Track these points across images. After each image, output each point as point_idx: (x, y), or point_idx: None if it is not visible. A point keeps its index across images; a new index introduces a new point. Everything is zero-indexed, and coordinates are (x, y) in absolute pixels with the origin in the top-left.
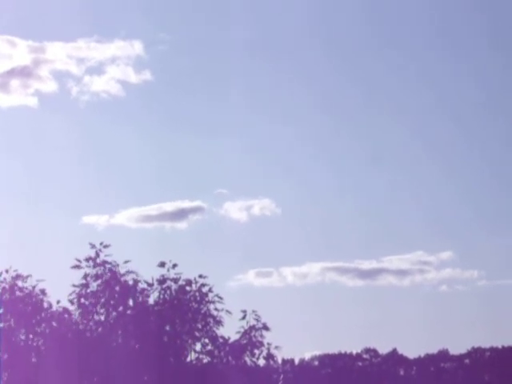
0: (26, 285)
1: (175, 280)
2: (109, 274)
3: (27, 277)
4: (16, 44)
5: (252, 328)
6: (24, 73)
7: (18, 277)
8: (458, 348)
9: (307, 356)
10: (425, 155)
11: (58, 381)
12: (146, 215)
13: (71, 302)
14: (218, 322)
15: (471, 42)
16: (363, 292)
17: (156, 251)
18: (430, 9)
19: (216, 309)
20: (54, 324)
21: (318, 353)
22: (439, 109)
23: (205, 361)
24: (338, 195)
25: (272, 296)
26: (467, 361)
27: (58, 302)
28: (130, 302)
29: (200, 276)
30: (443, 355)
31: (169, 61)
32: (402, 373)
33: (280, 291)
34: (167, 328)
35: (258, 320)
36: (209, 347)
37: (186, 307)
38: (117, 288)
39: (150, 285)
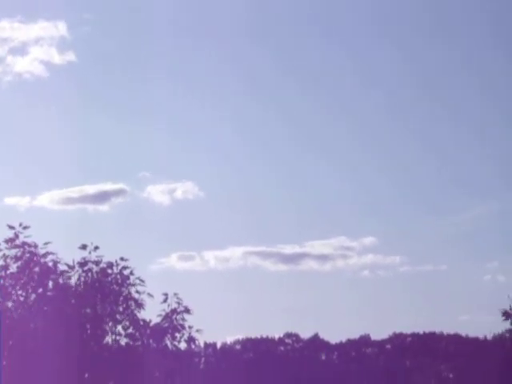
0: None
1: (96, 262)
2: (28, 255)
3: None
4: None
5: (173, 311)
6: None
7: None
8: (379, 333)
9: (229, 340)
10: (348, 141)
11: None
12: (68, 197)
13: None
14: (140, 305)
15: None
16: (285, 277)
17: (78, 234)
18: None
19: (137, 291)
20: None
21: (240, 337)
22: (364, 95)
23: (122, 342)
24: (262, 180)
25: (194, 280)
26: (389, 346)
27: None
28: (50, 284)
29: (121, 259)
30: (365, 340)
31: (93, 42)
32: (323, 358)
33: (202, 275)
34: (88, 310)
35: (179, 303)
36: (130, 330)
37: (107, 290)
38: (36, 269)
39: (71, 267)
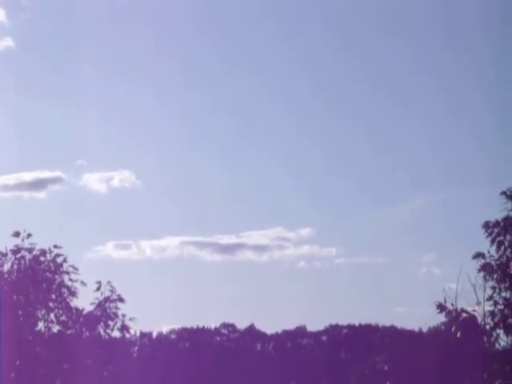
0: None
1: (29, 250)
2: None
3: None
4: None
5: (107, 299)
6: None
7: None
8: (315, 325)
9: (165, 329)
10: (285, 131)
11: None
12: (3, 184)
13: None
14: (73, 293)
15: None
16: (222, 267)
17: (14, 221)
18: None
19: (71, 279)
20: None
21: (176, 327)
22: (306, 84)
23: (55, 330)
24: (199, 169)
25: (130, 269)
26: (324, 338)
27: None
28: None
29: (55, 246)
30: (301, 331)
31: (31, 28)
32: (259, 348)
33: (138, 264)
34: (20, 297)
35: (112, 291)
36: (62, 318)
37: (39, 277)
38: None
39: (4, 254)
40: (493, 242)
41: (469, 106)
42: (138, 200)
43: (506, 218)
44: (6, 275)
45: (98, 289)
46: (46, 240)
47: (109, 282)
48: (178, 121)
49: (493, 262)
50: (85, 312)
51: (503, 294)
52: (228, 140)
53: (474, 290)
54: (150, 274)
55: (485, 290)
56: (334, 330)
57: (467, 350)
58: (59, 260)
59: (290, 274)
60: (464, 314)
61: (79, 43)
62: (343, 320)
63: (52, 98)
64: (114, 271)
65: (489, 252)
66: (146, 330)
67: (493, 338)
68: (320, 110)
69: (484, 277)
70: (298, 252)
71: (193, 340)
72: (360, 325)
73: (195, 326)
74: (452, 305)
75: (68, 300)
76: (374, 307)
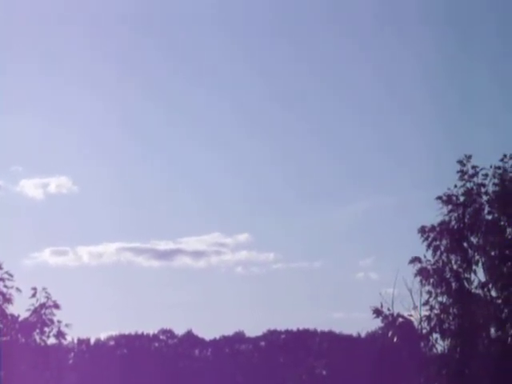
0: None
1: None
2: None
3: None
4: None
5: (42, 306)
6: None
7: None
8: (253, 330)
9: (103, 336)
10: (225, 135)
11: None
12: None
13: None
14: (8, 300)
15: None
16: (159, 273)
17: None
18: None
19: (6, 286)
20: None
21: (114, 333)
22: (249, 83)
23: None
24: (136, 175)
25: (68, 275)
26: (263, 343)
27: None
28: None
29: None
30: (239, 337)
31: None
32: (197, 354)
33: (76, 270)
34: None
35: (48, 298)
36: None
37: None
38: None
39: None
40: (429, 246)
41: (416, 108)
42: (75, 206)
43: (442, 223)
44: None
45: (34, 295)
46: None
47: (44, 289)
48: (114, 126)
49: (429, 267)
50: (20, 319)
51: (439, 299)
52: (164, 143)
53: (411, 294)
54: (87, 280)
55: (421, 295)
56: (272, 336)
57: (404, 354)
58: None
59: (228, 280)
60: (400, 319)
61: (14, 47)
62: (281, 325)
63: None
64: (51, 278)
65: (425, 257)
66: (83, 336)
67: (430, 343)
68: (263, 110)
69: (420, 281)
70: (236, 257)
71: (131, 346)
72: (298, 330)
73: (133, 333)
74: (388, 309)
75: (3, 307)
76: (312, 312)
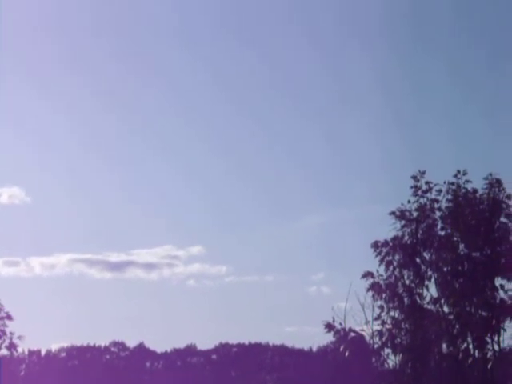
0: None
1: None
2: None
3: None
4: None
5: None
6: None
7: None
8: (205, 343)
9: (54, 347)
10: (176, 148)
11: None
12: None
13: None
14: None
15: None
16: (111, 284)
17: None
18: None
19: None
20: None
21: (65, 344)
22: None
23: None
24: (89, 186)
25: (19, 286)
26: (214, 356)
27: None
28: None
29: None
30: (190, 350)
31: None
32: (148, 366)
33: (27, 281)
34: None
35: (1, 309)
36: None
37: None
38: None
39: None
40: (381, 261)
41: (372, 123)
42: (28, 216)
43: (395, 238)
44: None
45: None
46: None
47: None
48: (69, 135)
49: (381, 282)
50: None
51: (391, 314)
52: (117, 155)
53: (363, 309)
54: (39, 291)
55: (373, 310)
56: (224, 349)
57: (356, 369)
58: None
59: (180, 293)
60: (352, 334)
61: None
62: (233, 339)
63: None
64: (2, 288)
65: (378, 271)
66: (34, 347)
67: (381, 358)
68: (215, 120)
69: (373, 296)
70: (188, 270)
71: (82, 358)
72: (250, 343)
73: (85, 344)
74: (340, 324)
75: None
76: (265, 326)
